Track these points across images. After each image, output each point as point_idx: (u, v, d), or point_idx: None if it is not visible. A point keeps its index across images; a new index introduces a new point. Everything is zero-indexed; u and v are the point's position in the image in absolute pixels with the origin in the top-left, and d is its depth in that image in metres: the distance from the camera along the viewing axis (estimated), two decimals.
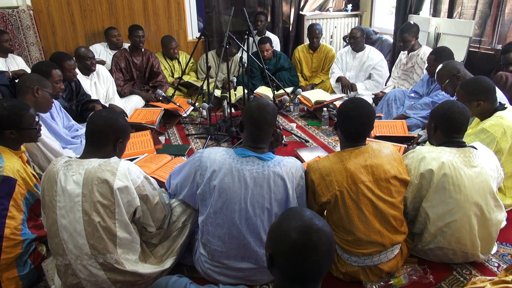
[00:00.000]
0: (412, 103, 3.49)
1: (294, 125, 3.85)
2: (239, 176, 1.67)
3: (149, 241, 1.81)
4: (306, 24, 5.20)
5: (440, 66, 2.81)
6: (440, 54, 3.26)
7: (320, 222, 1.02)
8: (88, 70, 3.63)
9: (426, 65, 3.43)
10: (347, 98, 2.11)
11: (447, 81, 2.70)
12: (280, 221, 1.05)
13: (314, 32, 4.73)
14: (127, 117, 3.72)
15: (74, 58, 3.60)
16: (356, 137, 1.78)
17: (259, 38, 4.73)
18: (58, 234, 1.58)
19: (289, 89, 4.29)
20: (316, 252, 0.98)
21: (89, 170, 1.58)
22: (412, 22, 3.93)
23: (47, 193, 1.60)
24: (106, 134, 1.67)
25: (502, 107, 2.25)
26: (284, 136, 3.44)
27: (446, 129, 1.87)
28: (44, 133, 2.39)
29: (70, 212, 1.56)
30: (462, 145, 1.86)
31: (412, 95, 3.62)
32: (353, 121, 1.74)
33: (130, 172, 1.62)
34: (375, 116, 1.80)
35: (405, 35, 3.81)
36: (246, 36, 3.51)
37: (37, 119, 2.00)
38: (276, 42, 5.14)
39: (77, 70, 3.59)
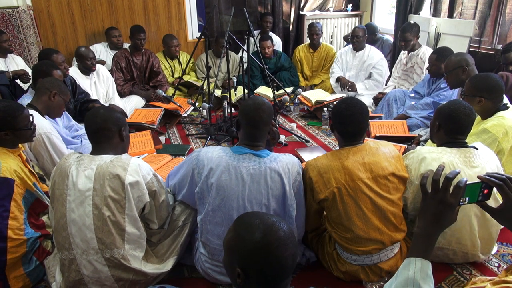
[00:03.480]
0: (413, 103, 3.49)
1: (294, 125, 3.85)
2: (236, 173, 1.68)
3: (148, 239, 1.81)
4: (307, 24, 5.20)
5: (453, 55, 2.77)
6: (441, 53, 3.25)
7: (271, 216, 1.05)
8: (88, 70, 3.63)
9: (427, 64, 3.42)
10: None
11: (453, 70, 2.67)
12: (238, 232, 1.03)
13: (314, 29, 4.74)
14: (127, 117, 3.72)
15: (74, 57, 3.61)
16: (353, 135, 1.79)
17: (260, 37, 4.74)
18: (66, 228, 1.60)
19: (289, 89, 4.29)
20: (289, 246, 1.00)
21: (101, 165, 1.61)
22: (414, 22, 3.93)
23: (57, 186, 1.63)
24: (108, 128, 1.69)
25: (504, 107, 2.24)
26: (284, 136, 3.48)
27: (450, 129, 1.85)
28: (55, 134, 2.41)
29: (80, 206, 1.59)
30: (463, 145, 1.85)
31: (413, 95, 3.62)
32: (348, 120, 1.75)
33: (140, 168, 1.66)
34: (368, 113, 1.81)
35: (407, 35, 3.81)
36: (246, 36, 3.51)
37: (31, 120, 2.01)
38: (278, 43, 5.15)
39: (75, 68, 3.60)
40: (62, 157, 2.34)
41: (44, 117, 2.41)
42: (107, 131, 1.69)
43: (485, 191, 1.03)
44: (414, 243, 1.02)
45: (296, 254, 1.02)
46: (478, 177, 1.02)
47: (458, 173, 0.98)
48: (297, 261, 1.04)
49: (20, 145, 2.04)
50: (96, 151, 1.70)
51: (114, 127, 1.70)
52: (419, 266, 0.97)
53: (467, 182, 0.97)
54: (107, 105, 3.66)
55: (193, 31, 5.14)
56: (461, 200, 0.99)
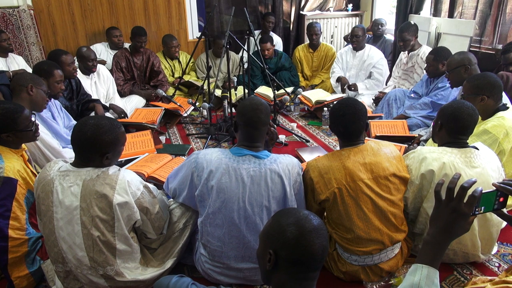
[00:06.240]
0: (412, 103, 3.50)
1: (294, 125, 3.85)
2: (236, 175, 1.67)
3: (148, 246, 1.81)
4: (307, 24, 5.20)
5: (455, 53, 2.78)
6: (439, 54, 3.25)
7: (311, 212, 1.10)
8: (89, 71, 3.63)
9: (425, 65, 3.42)
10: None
11: (455, 68, 2.67)
12: (276, 219, 1.09)
13: (313, 29, 4.74)
14: (127, 117, 3.72)
15: (75, 57, 3.61)
16: (350, 135, 1.79)
17: (261, 36, 4.73)
18: (57, 244, 1.57)
19: (289, 89, 4.29)
20: (320, 236, 1.03)
21: (87, 182, 1.53)
22: (411, 22, 3.93)
23: (42, 202, 1.57)
24: (89, 151, 1.55)
25: (504, 107, 2.24)
26: (284, 136, 3.48)
27: (452, 129, 1.84)
28: (43, 130, 2.38)
29: (68, 224, 1.54)
30: (464, 145, 1.85)
31: (412, 95, 3.62)
32: (345, 120, 1.75)
33: (130, 185, 1.58)
34: (366, 112, 1.81)
35: (404, 34, 3.81)
36: (246, 36, 3.51)
37: (33, 119, 1.99)
38: (279, 43, 5.15)
39: (76, 66, 3.60)
40: (54, 152, 2.34)
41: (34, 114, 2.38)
42: (87, 151, 1.55)
43: (501, 199, 1.01)
44: (423, 249, 1.00)
45: (327, 248, 1.06)
46: (493, 184, 1.01)
47: (475, 182, 0.96)
48: (325, 257, 1.07)
49: (23, 145, 2.03)
50: (80, 161, 1.59)
51: (97, 151, 1.55)
52: (425, 273, 0.96)
53: (483, 191, 0.95)
54: (107, 105, 3.66)
55: (193, 31, 5.14)
56: (477, 210, 0.98)
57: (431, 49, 3.80)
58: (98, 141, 1.53)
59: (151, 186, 1.73)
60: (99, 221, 1.53)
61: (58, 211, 1.53)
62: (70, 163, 1.61)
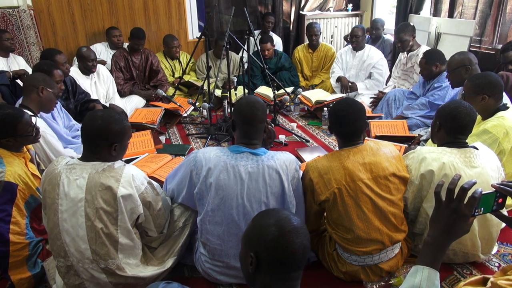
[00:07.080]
0: (409, 103, 3.51)
1: (294, 125, 3.85)
2: (234, 172, 1.69)
3: (148, 245, 1.82)
4: (307, 24, 5.20)
5: (456, 53, 2.78)
6: (431, 57, 3.26)
7: (291, 213, 1.10)
8: (88, 71, 3.63)
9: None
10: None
11: (456, 69, 2.68)
12: (256, 221, 1.09)
13: (313, 30, 4.74)
14: (127, 117, 3.72)
15: (76, 57, 3.62)
16: (350, 135, 1.79)
17: (261, 37, 4.73)
18: (60, 237, 1.58)
19: (289, 89, 4.29)
20: (300, 235, 1.03)
21: (93, 175, 1.56)
22: (408, 22, 3.94)
23: (48, 195, 1.59)
24: (98, 139, 1.60)
25: (504, 107, 2.24)
26: (284, 136, 3.48)
27: (451, 128, 1.84)
28: (49, 132, 2.39)
29: (72, 216, 1.56)
30: (463, 145, 1.85)
31: (412, 96, 3.63)
32: (345, 121, 1.76)
33: (134, 178, 1.61)
34: (365, 112, 1.82)
35: (401, 35, 3.82)
36: (246, 36, 3.51)
37: (34, 122, 1.99)
38: (279, 43, 5.15)
39: (75, 68, 3.61)
40: (54, 159, 2.34)
41: (38, 116, 2.37)
42: (96, 141, 1.61)
43: (500, 200, 1.02)
44: (424, 251, 1.00)
45: (307, 247, 1.05)
46: (492, 186, 1.01)
47: (475, 183, 0.96)
48: (307, 257, 1.06)
49: (30, 146, 2.03)
50: (88, 154, 1.63)
51: (106, 140, 1.60)
52: (426, 274, 0.96)
53: (482, 192, 0.96)
54: (107, 105, 3.66)
55: (193, 31, 5.14)
56: (476, 211, 0.98)
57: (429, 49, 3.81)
58: (107, 130, 1.60)
59: (155, 184, 1.75)
60: (103, 213, 1.55)
61: (63, 203, 1.56)
62: (78, 158, 1.65)
